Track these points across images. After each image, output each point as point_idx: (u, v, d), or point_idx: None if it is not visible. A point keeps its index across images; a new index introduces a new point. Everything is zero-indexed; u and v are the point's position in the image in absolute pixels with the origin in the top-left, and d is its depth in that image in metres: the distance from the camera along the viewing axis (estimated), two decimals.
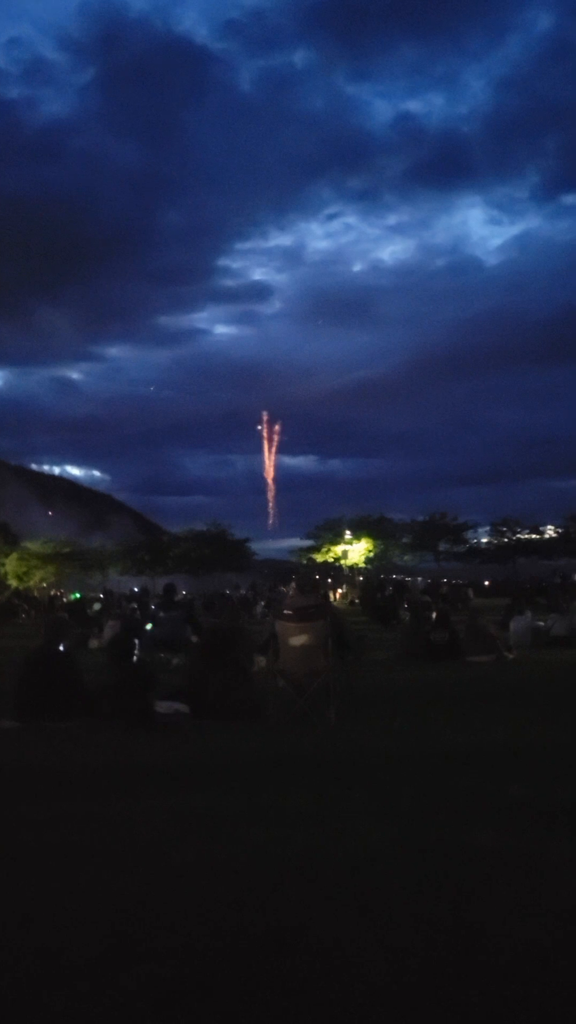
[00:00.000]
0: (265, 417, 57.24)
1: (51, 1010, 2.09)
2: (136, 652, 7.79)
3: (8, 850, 3.44)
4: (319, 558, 57.51)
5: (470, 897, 2.72)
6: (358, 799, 4.04)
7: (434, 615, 13.28)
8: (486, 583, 45.62)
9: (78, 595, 37.92)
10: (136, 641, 8.08)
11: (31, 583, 54.62)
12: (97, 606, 27.43)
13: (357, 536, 57.81)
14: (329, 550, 58.54)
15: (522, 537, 57.95)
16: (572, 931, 2.46)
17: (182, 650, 11.28)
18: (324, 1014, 2.03)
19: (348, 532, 58.00)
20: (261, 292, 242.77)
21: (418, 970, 2.22)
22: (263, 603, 26.91)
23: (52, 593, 45.24)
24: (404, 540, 59.72)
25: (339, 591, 43.69)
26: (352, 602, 36.13)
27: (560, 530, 56.96)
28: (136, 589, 43.00)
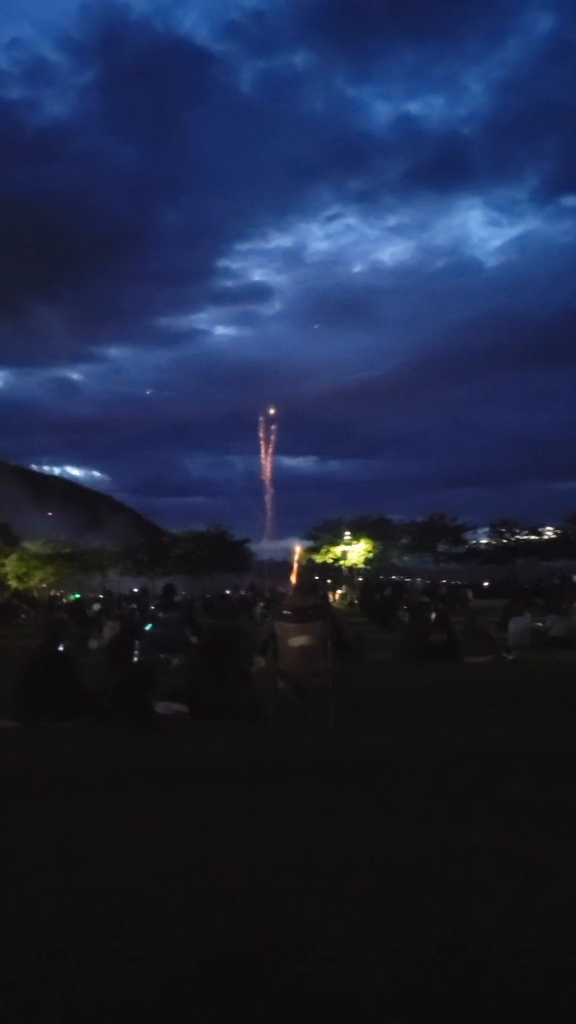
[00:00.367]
0: (262, 418, 57.09)
1: (51, 1010, 2.10)
2: (136, 653, 7.79)
3: (8, 850, 3.44)
4: (318, 559, 57.44)
5: (469, 897, 2.73)
6: (357, 799, 4.04)
7: (433, 616, 13.28)
8: (485, 584, 45.61)
9: (78, 596, 37.90)
10: (136, 642, 8.08)
11: (31, 584, 54.59)
12: (97, 607, 27.39)
13: (356, 537, 57.77)
14: (328, 551, 58.49)
15: (521, 538, 57.88)
16: (571, 932, 2.46)
17: (181, 651, 11.28)
18: (323, 1014, 2.04)
19: (347, 533, 57.97)
20: (261, 293, 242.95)
21: (417, 970, 2.23)
22: (262, 604, 26.92)
23: (52, 594, 45.21)
24: (403, 541, 59.66)
25: (338, 592, 43.67)
26: (351, 603, 36.11)
27: (559, 531, 56.89)
28: (136, 590, 42.97)
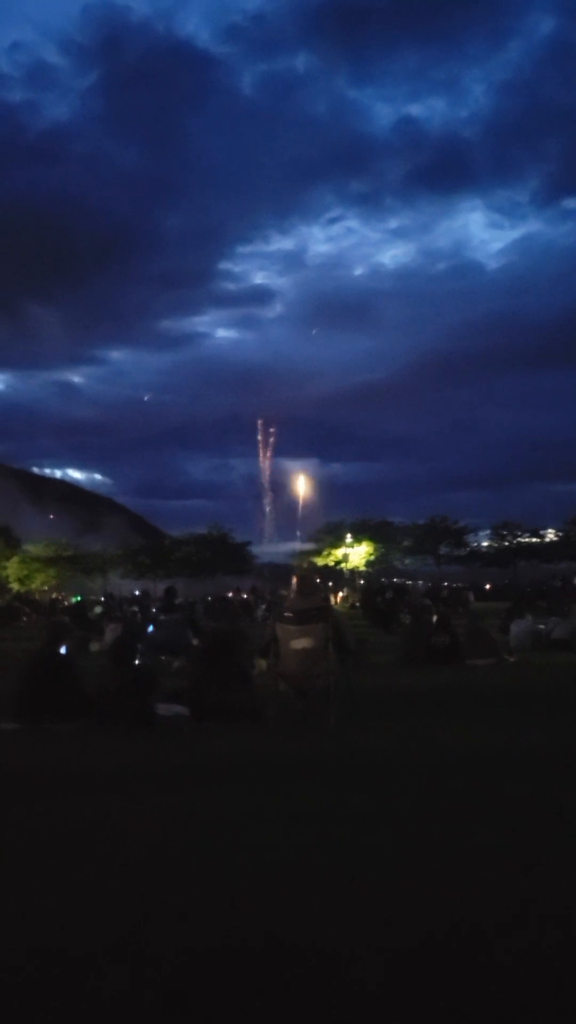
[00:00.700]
0: (260, 422, 57.00)
1: (51, 1010, 2.10)
2: (138, 655, 7.80)
3: (8, 850, 3.44)
4: (320, 561, 57.43)
5: (469, 898, 2.73)
6: (358, 802, 4.04)
7: (435, 618, 13.27)
8: (487, 587, 45.59)
9: (79, 598, 37.91)
10: (138, 644, 8.08)
11: (32, 586, 54.63)
12: (98, 609, 27.41)
13: (358, 539, 57.77)
14: (330, 553, 58.48)
15: (523, 541, 57.88)
16: (571, 934, 2.46)
17: (183, 653, 11.28)
18: (323, 1014, 2.04)
19: (349, 535, 57.97)
20: (262, 296, 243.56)
21: (418, 973, 2.23)
22: (264, 606, 26.91)
23: (53, 596, 45.25)
24: (405, 543, 59.65)
25: (340, 594, 43.66)
26: (353, 605, 36.09)
27: (561, 534, 56.88)
28: (137, 592, 42.99)
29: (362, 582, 52.01)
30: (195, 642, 11.35)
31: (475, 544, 60.27)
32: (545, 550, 57.21)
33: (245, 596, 36.12)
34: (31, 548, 57.28)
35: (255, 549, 61.59)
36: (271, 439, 55.54)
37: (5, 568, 54.56)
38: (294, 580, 7.72)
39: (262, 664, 7.96)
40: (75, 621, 18.30)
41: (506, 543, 58.15)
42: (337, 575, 55.57)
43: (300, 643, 7.01)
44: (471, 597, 33.90)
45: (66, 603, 35.93)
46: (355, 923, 2.56)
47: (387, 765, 4.97)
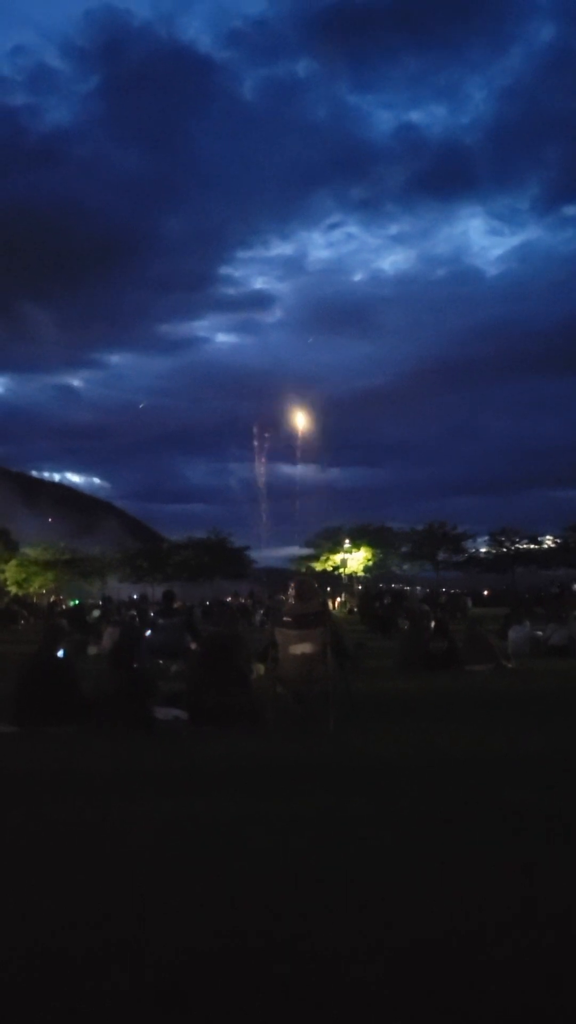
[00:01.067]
0: (256, 427, 56.85)
1: (51, 1010, 2.10)
2: (136, 659, 7.80)
3: (8, 853, 3.45)
4: (318, 567, 57.43)
5: (470, 900, 2.74)
6: (357, 805, 4.05)
7: (433, 624, 13.27)
8: (485, 592, 45.66)
9: (77, 602, 37.87)
10: (137, 648, 8.08)
11: (30, 589, 54.59)
12: (96, 613, 27.36)
13: (356, 545, 57.79)
14: (328, 559, 58.48)
15: (521, 547, 57.89)
16: (570, 936, 2.47)
17: (181, 657, 11.28)
18: (323, 1016, 2.05)
19: (347, 541, 57.98)
20: (262, 301, 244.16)
21: (418, 973, 2.24)
22: (262, 611, 26.90)
23: (51, 599, 45.19)
24: (403, 549, 59.66)
25: (338, 599, 43.65)
26: (351, 611, 36.09)
27: (559, 540, 56.91)
28: (135, 596, 42.97)
29: (360, 588, 52.03)
30: (193, 646, 11.34)
31: (473, 550, 60.27)
32: (543, 556, 57.23)
33: (243, 600, 36.11)
34: (29, 551, 57.26)
35: (254, 553, 61.47)
36: (267, 444, 55.44)
37: (3, 571, 54.53)
38: (292, 585, 7.73)
39: (260, 669, 7.97)
40: (73, 625, 18.30)
41: (504, 549, 58.15)
42: (335, 580, 55.57)
43: (299, 648, 7.02)
44: (469, 603, 33.94)
45: (64, 606, 35.86)
46: (355, 924, 2.57)
47: (385, 769, 4.98)
